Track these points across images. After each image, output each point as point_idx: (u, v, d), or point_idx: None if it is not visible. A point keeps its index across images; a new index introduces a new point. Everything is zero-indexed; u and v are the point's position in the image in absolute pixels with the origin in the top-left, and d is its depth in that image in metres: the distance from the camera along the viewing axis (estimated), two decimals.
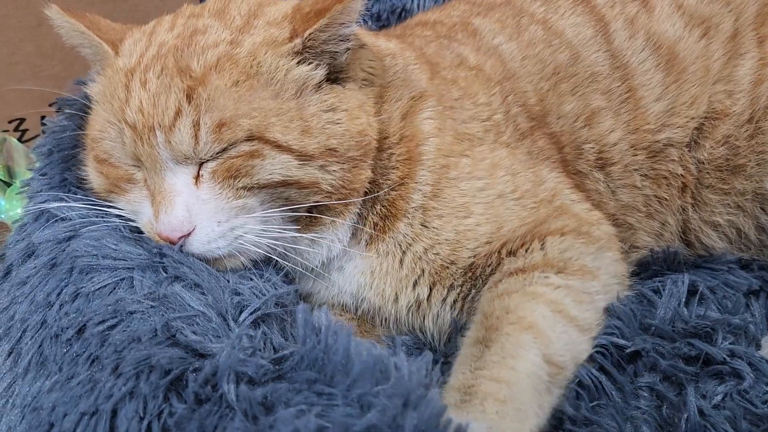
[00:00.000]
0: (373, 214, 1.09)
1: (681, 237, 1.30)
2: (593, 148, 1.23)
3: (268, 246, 1.03)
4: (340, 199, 1.03)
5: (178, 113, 0.96)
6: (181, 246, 1.00)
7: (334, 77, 1.05)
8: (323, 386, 0.71)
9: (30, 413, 0.84)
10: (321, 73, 1.03)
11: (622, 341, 1.01)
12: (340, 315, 1.16)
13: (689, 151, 1.26)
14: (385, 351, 0.80)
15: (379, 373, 0.74)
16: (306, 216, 1.05)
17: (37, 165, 1.27)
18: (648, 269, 1.23)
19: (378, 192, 1.08)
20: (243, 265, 1.04)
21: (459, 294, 1.09)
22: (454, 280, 1.08)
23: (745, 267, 1.25)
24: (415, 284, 1.09)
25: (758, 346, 1.08)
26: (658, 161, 1.25)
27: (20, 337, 0.95)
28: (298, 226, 1.05)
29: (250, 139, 0.96)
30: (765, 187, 1.22)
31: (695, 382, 0.97)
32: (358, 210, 1.09)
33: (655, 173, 1.25)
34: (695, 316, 1.07)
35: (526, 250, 1.06)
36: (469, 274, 1.08)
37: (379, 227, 1.09)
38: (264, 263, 1.07)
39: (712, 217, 1.27)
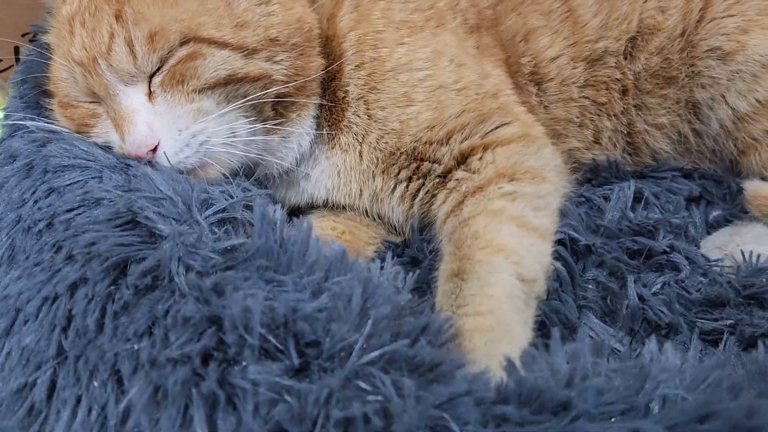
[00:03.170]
0: (326, 103, 1.11)
1: (627, 141, 1.32)
2: (530, 62, 1.25)
3: (239, 150, 1.03)
4: (298, 88, 1.04)
5: (111, 36, 0.97)
6: (150, 163, 0.99)
7: None
8: (273, 273, 0.71)
9: (1, 301, 0.83)
10: None
11: (576, 235, 1.04)
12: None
13: (625, 60, 1.28)
14: (342, 246, 0.78)
15: (339, 266, 0.73)
16: (273, 114, 1.05)
17: (13, 93, 1.26)
18: (598, 176, 1.27)
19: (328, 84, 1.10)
20: (221, 174, 1.04)
21: (407, 188, 1.11)
22: (401, 168, 1.10)
23: (687, 176, 1.28)
24: (373, 176, 1.11)
25: (697, 246, 1.12)
26: (597, 68, 1.27)
27: None
28: (266, 126, 1.05)
29: (185, 42, 0.97)
30: (695, 97, 1.25)
31: (637, 273, 1.00)
32: (318, 102, 1.10)
33: (594, 80, 1.27)
34: (640, 216, 1.11)
35: (480, 159, 1.07)
36: (414, 164, 1.09)
37: (333, 117, 1.11)
38: (240, 174, 1.06)
39: (656, 119, 1.29)
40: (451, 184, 1.08)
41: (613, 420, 0.53)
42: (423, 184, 1.10)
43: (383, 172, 1.11)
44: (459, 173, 1.07)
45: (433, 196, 1.10)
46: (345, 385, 0.58)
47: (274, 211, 0.82)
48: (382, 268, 0.81)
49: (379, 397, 0.57)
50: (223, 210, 0.91)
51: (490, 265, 0.90)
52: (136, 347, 0.62)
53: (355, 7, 1.14)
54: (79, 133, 1.08)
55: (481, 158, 1.07)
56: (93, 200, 0.86)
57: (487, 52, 1.19)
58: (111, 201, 0.85)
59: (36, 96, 1.19)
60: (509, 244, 0.93)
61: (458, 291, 0.89)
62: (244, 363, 0.59)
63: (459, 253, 0.94)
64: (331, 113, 1.12)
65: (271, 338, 0.60)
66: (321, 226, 1.16)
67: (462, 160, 1.08)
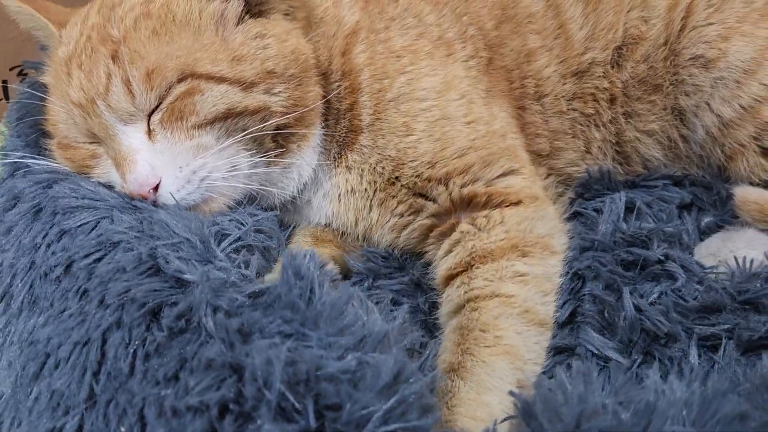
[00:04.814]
0: (340, 129, 1.13)
1: (616, 150, 1.34)
2: (532, 83, 1.27)
3: (241, 183, 1.05)
4: (297, 118, 1.05)
5: (108, 77, 0.98)
6: (155, 202, 1.01)
7: (257, 11, 1.07)
8: (299, 326, 0.70)
9: (27, 347, 0.85)
10: (237, 5, 1.05)
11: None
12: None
13: (612, 68, 1.30)
14: (385, 324, 0.76)
15: (377, 343, 0.72)
16: (273, 146, 1.07)
17: (7, 132, 1.28)
18: (590, 189, 1.28)
19: (339, 114, 1.12)
20: (225, 206, 1.05)
21: (398, 222, 1.13)
22: (399, 202, 1.12)
23: (678, 183, 1.30)
24: (370, 208, 1.14)
25: (691, 254, 1.14)
26: (584, 81, 1.30)
27: (10, 282, 0.97)
28: (267, 158, 1.06)
29: (182, 79, 0.98)
30: (680, 105, 1.28)
31: (633, 285, 1.02)
32: (321, 132, 1.12)
33: (581, 92, 1.30)
34: (633, 227, 1.13)
35: (486, 217, 1.07)
36: (411, 200, 1.11)
37: (348, 139, 1.13)
38: (244, 203, 1.09)
39: (647, 125, 1.31)
40: (455, 235, 1.09)
41: None
42: (413, 220, 1.12)
43: (381, 204, 1.13)
44: (464, 226, 1.08)
45: (426, 236, 1.13)
46: None
47: (306, 260, 0.79)
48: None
49: None
50: (238, 239, 0.94)
51: (492, 370, 0.90)
52: (162, 393, 0.63)
53: (368, 45, 1.15)
54: (79, 173, 1.10)
55: (487, 216, 1.08)
56: (109, 244, 0.88)
57: (497, 94, 1.21)
58: (129, 244, 0.87)
59: (34, 135, 1.20)
60: (515, 346, 0.94)
61: (455, 391, 0.89)
62: (259, 421, 0.59)
63: (463, 346, 0.94)
64: (347, 136, 1.14)
65: (290, 396, 0.60)
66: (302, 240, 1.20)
67: (462, 206, 1.10)
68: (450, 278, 1.07)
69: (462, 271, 1.05)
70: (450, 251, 1.08)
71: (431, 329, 1.06)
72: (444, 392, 0.89)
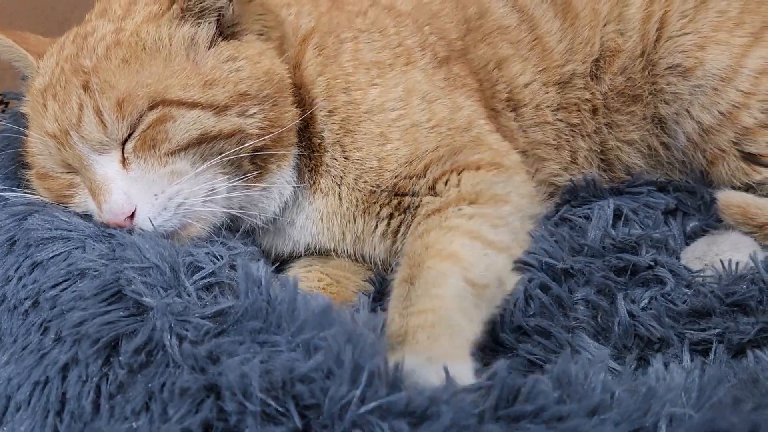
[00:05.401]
0: (304, 150, 1.11)
1: (601, 158, 1.35)
2: (505, 88, 1.28)
3: (220, 207, 1.03)
4: (275, 139, 1.04)
5: (80, 107, 0.97)
6: (131, 231, 0.98)
7: (230, 32, 1.06)
8: (267, 335, 0.70)
9: None
10: (208, 29, 1.05)
11: (553, 261, 1.05)
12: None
13: (592, 80, 1.32)
14: (327, 299, 0.78)
15: (325, 320, 0.73)
16: (252, 168, 1.05)
17: None
18: (577, 197, 1.28)
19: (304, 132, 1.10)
20: (205, 231, 1.03)
21: (388, 226, 1.11)
22: (382, 206, 1.10)
23: (662, 189, 1.31)
24: (354, 218, 1.12)
25: (677, 258, 1.14)
26: (567, 91, 1.31)
27: None
28: (245, 181, 1.04)
29: (153, 107, 0.97)
30: (660, 113, 1.30)
31: (624, 290, 1.01)
32: (297, 151, 1.10)
33: (566, 102, 1.31)
34: (621, 234, 1.13)
35: (445, 183, 1.08)
36: (395, 201, 1.10)
37: (312, 163, 1.12)
38: (222, 230, 1.06)
39: (627, 135, 1.33)
40: (421, 210, 1.08)
41: None
42: (404, 219, 1.11)
43: (364, 213, 1.12)
44: (426, 198, 1.09)
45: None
46: None
47: (258, 268, 0.81)
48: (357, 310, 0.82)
49: None
50: (211, 274, 0.90)
51: (438, 270, 0.92)
52: (135, 425, 0.61)
53: (320, 51, 1.15)
54: (58, 203, 1.08)
55: (447, 181, 1.08)
56: (77, 272, 0.86)
57: (458, 83, 1.21)
58: (96, 271, 0.84)
59: (14, 167, 1.18)
60: (459, 252, 0.95)
61: (406, 293, 0.90)
62: (246, 430, 0.59)
63: (410, 262, 0.96)
64: (310, 159, 1.12)
65: (271, 402, 0.60)
66: (308, 277, 1.16)
67: (433, 186, 1.10)
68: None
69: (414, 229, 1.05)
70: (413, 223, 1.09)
71: None
72: (398, 298, 0.90)
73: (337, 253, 1.18)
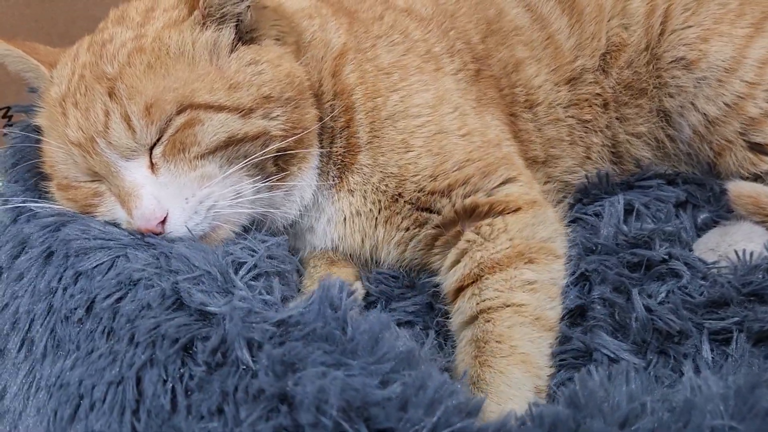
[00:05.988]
0: (336, 148, 1.14)
1: (612, 152, 1.38)
2: (522, 91, 1.30)
3: (246, 209, 1.05)
4: (297, 141, 1.05)
5: (106, 114, 0.98)
6: (164, 236, 1.00)
7: (249, 38, 1.08)
8: (339, 356, 0.71)
9: (57, 391, 0.85)
10: (229, 34, 1.05)
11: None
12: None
13: (601, 74, 1.35)
14: (413, 343, 0.79)
15: (409, 361, 0.74)
16: (275, 170, 1.07)
17: (2, 178, 1.26)
18: (588, 194, 1.31)
19: (333, 133, 1.13)
20: (232, 233, 1.05)
21: (404, 236, 1.14)
22: (403, 218, 1.13)
23: (672, 182, 1.34)
24: (376, 225, 1.15)
25: (690, 250, 1.17)
26: (578, 87, 1.34)
27: (29, 327, 0.96)
28: (270, 182, 1.07)
29: (181, 111, 0.98)
30: (665, 106, 1.33)
31: (640, 285, 1.04)
32: (319, 152, 1.13)
33: (577, 98, 1.34)
34: (634, 229, 1.15)
35: (489, 225, 1.09)
36: (416, 215, 1.12)
37: (346, 160, 1.14)
38: (252, 229, 1.08)
39: (635, 129, 1.36)
40: (461, 245, 1.10)
41: None
42: (418, 233, 1.14)
43: (386, 222, 1.14)
44: (469, 234, 1.10)
45: (432, 246, 1.14)
46: None
47: (340, 291, 0.81)
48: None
49: None
50: (254, 267, 0.94)
51: (511, 380, 0.93)
52: (209, 427, 0.63)
53: (357, 65, 1.17)
54: (83, 213, 1.08)
55: (490, 224, 1.09)
56: (129, 282, 0.88)
57: (487, 102, 1.24)
58: (149, 281, 0.87)
59: (33, 179, 1.19)
60: (529, 354, 0.97)
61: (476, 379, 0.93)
62: None
63: (480, 358, 0.96)
64: (345, 157, 1.14)
65: (343, 422, 0.61)
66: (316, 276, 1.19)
67: (465, 216, 1.11)
68: (460, 289, 1.08)
69: (472, 282, 1.07)
70: (458, 261, 1.10)
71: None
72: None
73: (352, 258, 1.21)
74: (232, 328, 0.74)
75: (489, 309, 1.02)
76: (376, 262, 1.21)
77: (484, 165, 1.12)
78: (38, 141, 1.13)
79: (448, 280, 1.11)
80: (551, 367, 0.98)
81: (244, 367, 0.69)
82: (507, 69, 1.30)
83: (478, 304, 1.03)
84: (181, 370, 0.74)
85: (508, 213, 1.11)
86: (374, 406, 0.63)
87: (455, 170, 1.11)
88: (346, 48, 1.18)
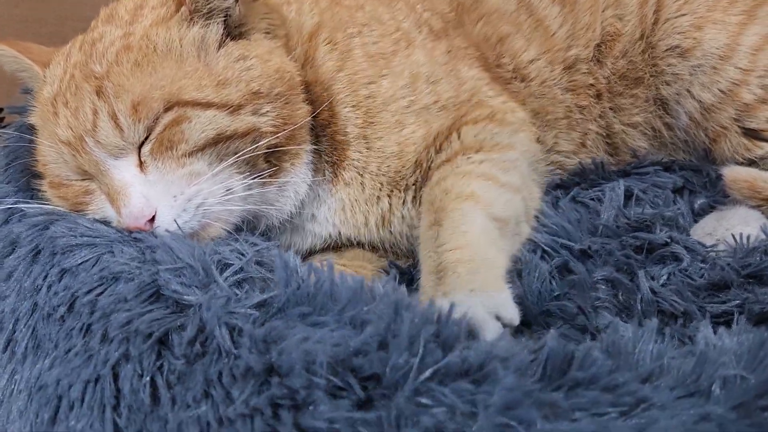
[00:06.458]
0: (324, 147, 1.12)
1: (607, 143, 1.38)
2: (509, 62, 1.30)
3: (237, 206, 1.03)
4: (288, 137, 1.04)
5: (95, 112, 0.97)
6: (153, 234, 0.98)
7: (238, 33, 1.07)
8: (316, 317, 0.72)
9: (36, 393, 0.82)
10: (217, 29, 1.05)
11: (570, 243, 1.09)
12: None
13: (595, 65, 1.35)
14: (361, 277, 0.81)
15: (366, 296, 0.75)
16: (267, 167, 1.05)
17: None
18: (586, 179, 1.31)
19: (316, 131, 1.11)
20: (224, 231, 1.03)
21: (415, 190, 1.13)
22: (407, 180, 1.13)
23: (668, 169, 1.33)
24: (378, 199, 1.14)
25: (688, 235, 1.16)
26: (573, 74, 1.34)
27: (13, 328, 0.93)
28: (261, 179, 1.05)
29: (168, 108, 0.97)
30: (662, 94, 1.33)
31: (644, 267, 1.03)
32: (312, 147, 1.11)
33: (572, 84, 1.34)
34: (635, 213, 1.15)
35: (448, 141, 1.12)
36: (418, 170, 1.13)
37: (335, 157, 1.13)
38: (244, 229, 1.07)
39: (631, 119, 1.36)
40: (432, 166, 1.12)
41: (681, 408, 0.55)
42: (425, 178, 1.13)
43: (390, 194, 1.14)
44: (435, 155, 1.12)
45: None
46: (410, 405, 0.60)
47: (292, 257, 0.83)
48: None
49: (444, 408, 0.59)
50: (240, 270, 0.91)
51: (462, 210, 0.97)
52: (198, 412, 0.62)
53: (333, 47, 1.16)
54: (74, 211, 1.07)
55: (449, 138, 1.12)
56: (111, 276, 0.86)
57: (460, 54, 1.23)
58: (130, 274, 0.85)
59: (25, 179, 1.18)
60: (477, 193, 1.00)
61: (436, 235, 0.95)
62: (312, 407, 0.60)
63: (433, 207, 1.00)
64: (333, 155, 1.13)
65: (332, 378, 0.62)
66: None
67: (439, 148, 1.13)
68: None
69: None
70: None
71: None
72: (429, 239, 0.96)
73: (357, 242, 1.19)
74: (210, 317, 0.72)
75: (437, 181, 1.05)
76: (383, 244, 1.18)
77: (456, 118, 1.15)
78: (31, 141, 1.12)
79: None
80: (511, 217, 1.02)
81: (227, 353, 0.68)
82: (491, 41, 1.30)
83: (429, 186, 1.06)
84: (158, 363, 0.72)
85: (465, 125, 1.13)
86: (356, 356, 0.64)
87: (439, 127, 1.13)
88: (321, 26, 1.17)
